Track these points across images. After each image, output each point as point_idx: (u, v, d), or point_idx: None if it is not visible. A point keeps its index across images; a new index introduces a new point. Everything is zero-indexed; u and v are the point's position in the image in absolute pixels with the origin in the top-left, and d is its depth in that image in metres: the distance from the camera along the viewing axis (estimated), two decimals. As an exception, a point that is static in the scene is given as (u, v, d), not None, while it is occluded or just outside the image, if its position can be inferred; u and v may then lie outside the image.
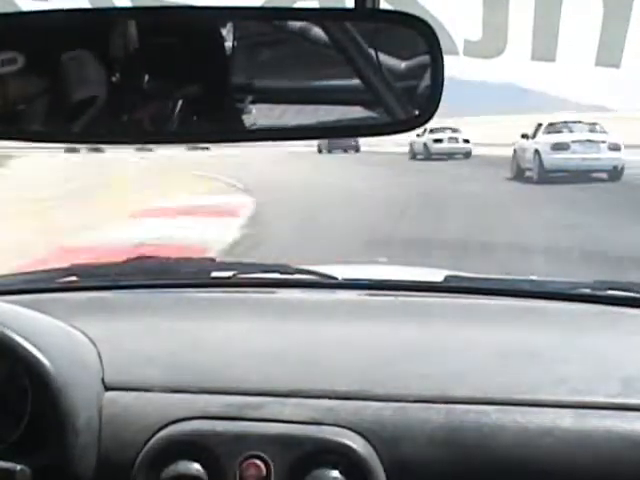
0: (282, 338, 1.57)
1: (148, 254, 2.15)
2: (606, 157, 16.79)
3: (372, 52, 1.03)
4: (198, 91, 1.02)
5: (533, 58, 2.50)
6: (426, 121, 1.04)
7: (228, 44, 1.03)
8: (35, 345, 1.33)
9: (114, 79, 1.01)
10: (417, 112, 1.05)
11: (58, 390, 1.31)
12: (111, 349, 1.46)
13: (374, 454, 1.28)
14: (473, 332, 1.62)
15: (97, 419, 1.34)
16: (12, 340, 1.33)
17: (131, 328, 1.64)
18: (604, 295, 1.76)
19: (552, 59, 2.53)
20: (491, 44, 2.49)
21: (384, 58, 1.04)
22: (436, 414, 1.30)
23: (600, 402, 1.31)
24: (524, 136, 18.49)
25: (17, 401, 1.33)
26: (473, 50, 2.49)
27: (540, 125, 18.51)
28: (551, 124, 18.49)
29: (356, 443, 1.28)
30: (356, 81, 1.05)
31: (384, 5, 1.17)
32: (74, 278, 1.91)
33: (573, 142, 17.13)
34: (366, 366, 1.43)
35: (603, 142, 17.09)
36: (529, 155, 17.41)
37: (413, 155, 24.45)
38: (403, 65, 1.06)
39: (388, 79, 1.04)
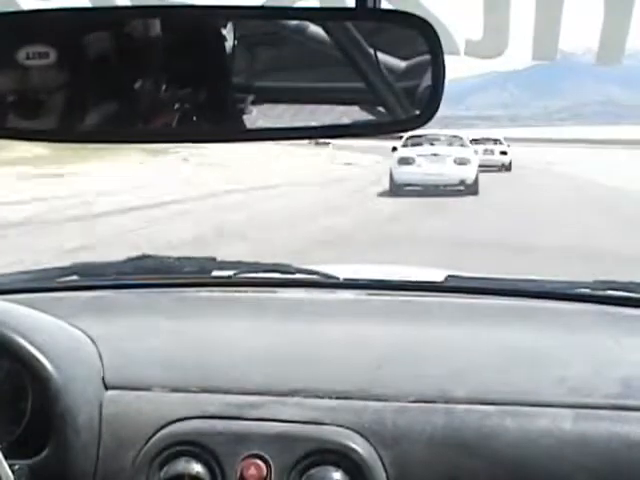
0: (282, 338, 1.57)
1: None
2: (451, 171, 17.14)
3: (373, 52, 1.03)
4: (200, 91, 1.02)
5: (534, 58, 2.50)
6: (427, 121, 1.04)
7: (228, 44, 1.03)
8: (35, 344, 1.33)
9: (117, 79, 1.01)
10: (418, 112, 1.05)
11: (58, 389, 1.31)
12: (111, 348, 1.46)
13: (374, 454, 1.28)
14: (473, 332, 1.62)
15: (97, 418, 1.34)
16: (12, 339, 1.33)
17: (131, 327, 1.64)
18: (604, 295, 1.76)
19: (553, 59, 2.53)
20: (492, 44, 2.49)
21: (385, 58, 1.04)
22: (436, 414, 1.30)
23: (600, 402, 1.31)
24: (394, 149, 18.79)
25: (17, 400, 1.33)
26: (474, 50, 2.48)
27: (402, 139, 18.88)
28: (410, 137, 18.64)
29: (356, 443, 1.28)
30: (357, 81, 1.05)
31: (385, 5, 1.17)
32: (74, 277, 1.91)
33: (418, 156, 17.55)
34: (366, 366, 1.43)
35: (449, 156, 17.42)
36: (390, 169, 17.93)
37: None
38: (404, 65, 1.06)
39: (389, 79, 1.04)
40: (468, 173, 17.27)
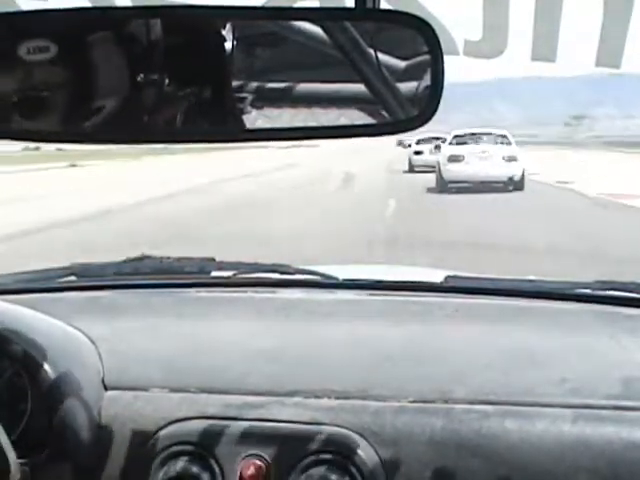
0: (282, 338, 1.57)
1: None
2: (500, 169, 17.49)
3: (372, 52, 1.03)
4: (200, 91, 1.02)
5: (533, 58, 2.50)
6: (426, 121, 1.04)
7: (228, 44, 1.03)
8: (35, 345, 1.33)
9: (117, 80, 1.01)
10: (417, 112, 1.05)
11: (57, 390, 1.31)
12: (111, 349, 1.46)
13: (374, 454, 1.28)
14: (473, 332, 1.62)
15: (97, 419, 1.34)
16: (12, 340, 1.33)
17: (131, 328, 1.64)
18: (604, 295, 1.76)
19: (552, 59, 2.53)
20: (491, 44, 2.49)
21: (384, 58, 1.04)
22: (436, 414, 1.30)
23: (600, 403, 1.31)
24: (437, 147, 19.08)
25: (17, 401, 1.33)
26: (473, 50, 2.48)
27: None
28: (457, 136, 19.27)
29: (356, 443, 1.28)
30: (356, 81, 1.05)
31: (384, 5, 1.16)
32: (74, 278, 1.91)
33: (468, 154, 17.96)
34: (366, 366, 1.43)
35: (498, 154, 17.85)
36: (437, 165, 18.40)
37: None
38: (403, 65, 1.06)
39: (388, 79, 1.04)
40: (516, 170, 17.56)
